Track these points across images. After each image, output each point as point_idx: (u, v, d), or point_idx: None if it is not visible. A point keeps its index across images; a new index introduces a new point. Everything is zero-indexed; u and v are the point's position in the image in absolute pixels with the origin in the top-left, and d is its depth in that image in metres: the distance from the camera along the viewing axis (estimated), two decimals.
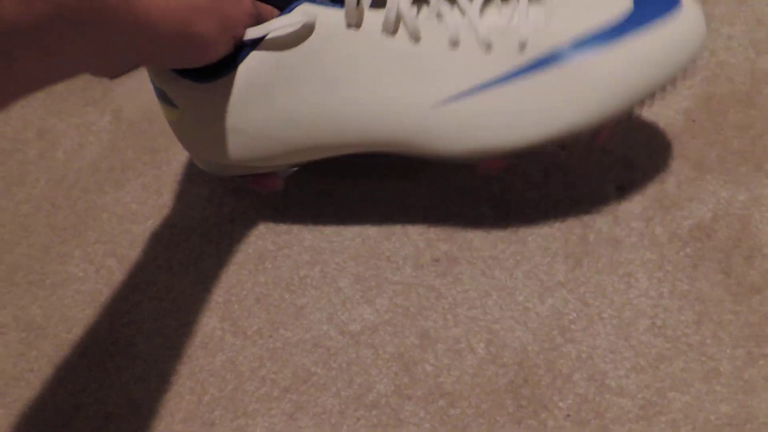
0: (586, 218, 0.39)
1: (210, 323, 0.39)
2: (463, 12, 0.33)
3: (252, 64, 0.33)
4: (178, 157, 0.48)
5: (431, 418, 0.33)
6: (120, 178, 0.48)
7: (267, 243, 0.42)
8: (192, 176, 0.47)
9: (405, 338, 0.36)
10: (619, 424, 0.31)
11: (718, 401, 0.31)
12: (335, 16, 0.32)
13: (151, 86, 0.54)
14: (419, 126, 0.34)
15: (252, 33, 0.32)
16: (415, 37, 0.33)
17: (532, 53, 0.32)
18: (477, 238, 0.39)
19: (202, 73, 0.34)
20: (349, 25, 0.32)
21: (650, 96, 0.33)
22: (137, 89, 0.55)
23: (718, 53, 0.45)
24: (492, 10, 0.33)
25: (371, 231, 0.41)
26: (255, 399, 0.36)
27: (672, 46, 0.32)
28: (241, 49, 0.33)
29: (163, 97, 0.36)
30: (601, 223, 0.38)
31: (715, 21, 0.47)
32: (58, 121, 0.54)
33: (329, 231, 0.41)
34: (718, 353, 0.32)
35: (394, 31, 0.32)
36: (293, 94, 0.34)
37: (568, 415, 0.32)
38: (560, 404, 0.32)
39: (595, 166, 0.40)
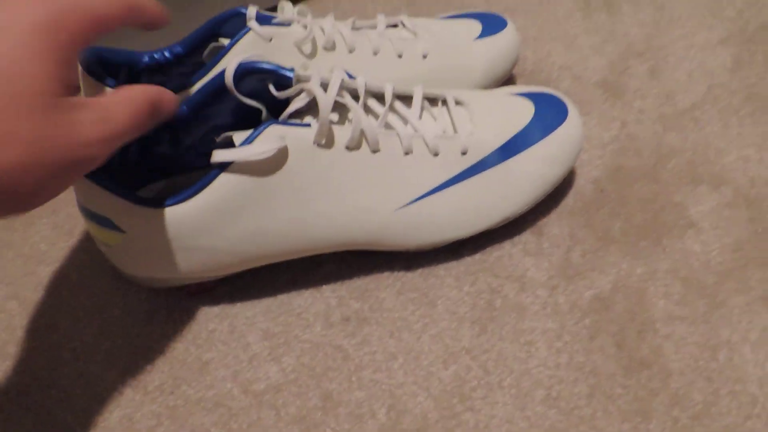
0: (495, 283, 0.40)
1: (110, 376, 0.38)
2: (405, 120, 0.37)
3: (217, 187, 0.33)
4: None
5: None
6: (31, 215, 0.47)
7: (176, 293, 0.41)
8: None
9: (308, 400, 0.36)
10: None
11: None
12: (304, 135, 0.34)
13: None
14: (384, 228, 0.38)
15: (220, 156, 0.32)
16: (375, 149, 0.35)
17: (472, 159, 0.38)
18: (388, 298, 0.40)
19: (160, 197, 0.34)
20: (319, 145, 0.34)
21: (557, 184, 0.40)
22: None
23: (628, 125, 0.47)
24: (426, 114, 0.38)
25: (283, 285, 0.41)
26: None
27: (569, 144, 0.39)
28: (208, 170, 0.33)
29: (105, 222, 0.35)
30: (508, 289, 0.39)
31: (629, 93, 0.49)
32: None
33: (241, 284, 0.41)
34: (607, 427, 0.33)
35: (358, 146, 0.35)
36: (264, 211, 0.35)
37: None
38: None
39: (507, 233, 0.41)
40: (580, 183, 0.44)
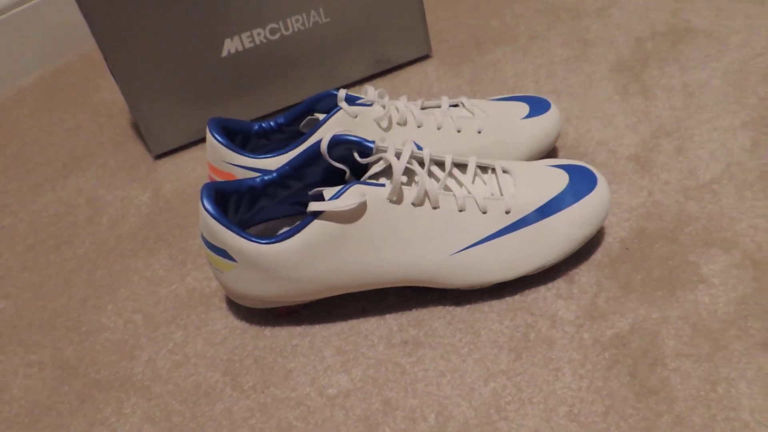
0: (530, 319, 0.47)
1: (214, 377, 0.47)
2: (461, 184, 0.46)
3: (311, 230, 0.43)
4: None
5: None
6: (152, 247, 0.58)
7: (268, 314, 0.50)
8: None
9: (371, 404, 0.44)
10: None
11: None
12: (380, 193, 0.44)
13: (187, 170, 0.65)
14: (438, 270, 0.46)
15: (314, 207, 0.42)
16: (435, 206, 0.45)
17: (514, 217, 0.46)
18: (440, 327, 0.48)
19: (265, 236, 0.45)
20: (391, 201, 0.44)
21: (586, 241, 0.49)
22: (176, 172, 0.66)
23: (654, 194, 0.55)
24: (478, 179, 0.47)
25: (354, 312, 0.50)
26: None
27: (597, 209, 0.48)
28: (297, 217, 0.44)
29: (222, 253, 0.45)
30: (541, 324, 0.47)
31: (657, 167, 0.57)
32: (106, 192, 0.65)
33: (320, 309, 0.50)
34: None
35: (422, 203, 0.45)
36: (341, 253, 0.45)
37: None
38: None
39: (542, 279, 0.49)
40: (608, 241, 0.52)
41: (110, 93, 0.82)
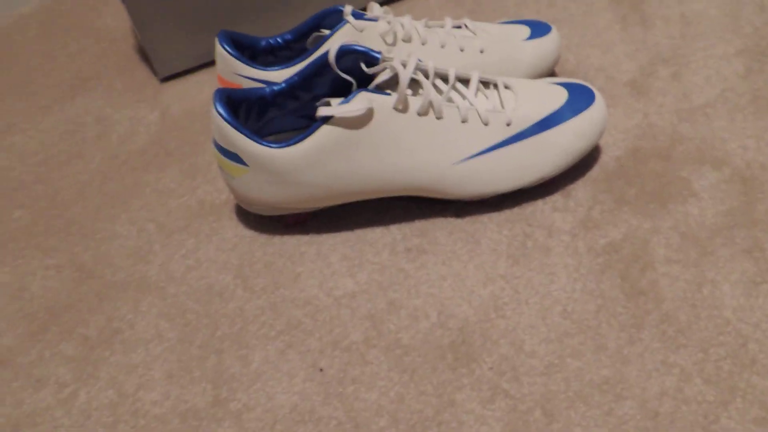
0: (528, 230, 0.50)
1: (226, 279, 0.50)
2: (463, 96, 0.48)
3: (320, 135, 0.45)
4: (212, 151, 0.60)
5: (389, 362, 0.44)
6: (162, 162, 0.59)
7: (277, 224, 0.52)
8: None
9: (376, 304, 0.47)
10: (528, 377, 0.42)
11: (602, 367, 0.41)
12: (387, 102, 0.45)
13: (194, 92, 0.66)
14: (441, 179, 0.48)
15: (323, 111, 0.44)
16: (439, 116, 0.46)
17: (515, 129, 0.48)
18: (442, 237, 0.50)
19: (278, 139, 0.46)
20: (396, 109, 0.45)
21: (583, 155, 0.50)
22: (183, 94, 0.67)
23: (649, 116, 0.56)
24: (480, 93, 0.49)
25: (360, 222, 0.52)
26: (255, 337, 0.46)
27: (594, 124, 0.50)
28: (314, 122, 0.45)
29: (234, 157, 0.47)
30: (538, 234, 0.49)
31: (653, 92, 0.59)
32: (113, 112, 0.66)
33: (327, 219, 0.52)
34: (608, 334, 0.43)
35: (426, 113, 0.46)
36: (349, 159, 0.46)
37: (491, 368, 0.42)
38: (486, 359, 0.43)
39: (540, 192, 0.51)
40: (604, 159, 0.54)
41: (112, 19, 0.82)
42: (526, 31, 0.57)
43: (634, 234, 0.48)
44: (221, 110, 0.45)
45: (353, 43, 0.46)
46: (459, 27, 0.57)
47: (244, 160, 0.46)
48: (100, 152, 0.61)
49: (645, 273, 0.46)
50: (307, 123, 0.52)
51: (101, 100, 0.67)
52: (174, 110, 0.65)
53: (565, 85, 0.52)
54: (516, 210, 0.51)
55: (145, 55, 0.74)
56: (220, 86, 0.54)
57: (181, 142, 0.61)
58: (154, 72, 0.70)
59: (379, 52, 0.46)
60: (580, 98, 0.51)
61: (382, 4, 0.74)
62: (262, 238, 0.52)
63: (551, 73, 0.60)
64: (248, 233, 0.53)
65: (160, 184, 0.57)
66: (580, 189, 0.52)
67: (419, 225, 0.51)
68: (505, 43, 0.56)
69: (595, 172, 0.53)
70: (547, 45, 0.57)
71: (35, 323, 0.49)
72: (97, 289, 0.50)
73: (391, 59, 0.47)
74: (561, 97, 0.50)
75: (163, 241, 0.53)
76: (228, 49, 0.51)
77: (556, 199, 0.51)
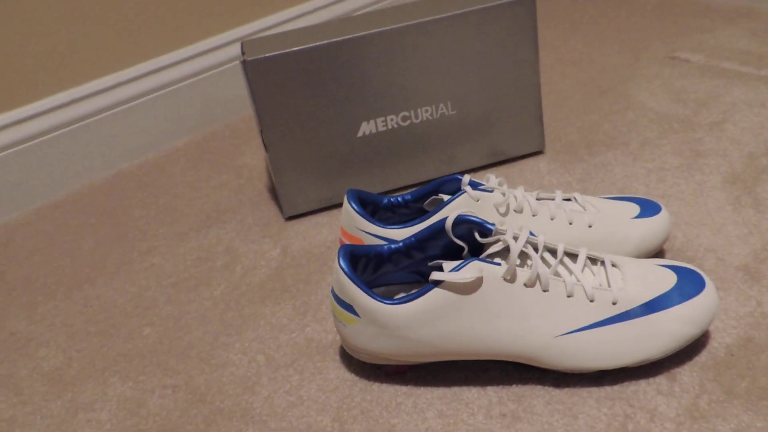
0: (629, 410, 0.49)
1: (324, 421, 0.52)
2: (570, 272, 0.50)
3: (431, 296, 0.49)
4: (324, 291, 0.64)
5: None
6: (278, 297, 0.64)
7: (378, 371, 0.55)
8: (330, 307, 0.62)
9: None
10: None
11: None
12: (496, 271, 0.48)
13: (314, 233, 0.72)
14: (542, 349, 0.49)
15: (437, 276, 0.48)
16: (545, 289, 0.49)
17: (620, 309, 0.49)
18: (539, 405, 0.50)
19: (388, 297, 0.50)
20: (505, 279, 0.48)
21: (691, 341, 0.50)
22: (303, 233, 0.73)
23: (763, 305, 0.55)
24: (587, 270, 0.51)
25: (458, 380, 0.53)
26: None
27: (704, 310, 0.50)
28: (426, 285, 0.49)
29: (348, 307, 0.51)
30: (640, 416, 0.48)
31: (766, 279, 0.58)
32: (242, 244, 0.73)
33: (426, 374, 0.54)
34: None
35: (533, 285, 0.49)
36: (455, 321, 0.49)
37: None
38: None
39: (644, 372, 0.51)
40: (713, 345, 0.53)
41: (251, 159, 0.92)
42: (635, 209, 0.59)
43: (746, 431, 0.46)
44: (344, 265, 0.49)
45: (469, 213, 0.50)
46: (569, 200, 0.60)
47: (357, 311, 0.50)
48: (225, 281, 0.68)
49: None
50: (415, 278, 0.55)
51: (233, 233, 0.75)
52: (294, 248, 0.71)
53: (673, 268, 0.53)
54: (617, 387, 0.51)
55: (275, 194, 0.82)
56: (342, 238, 0.60)
57: (296, 280, 0.66)
58: (281, 211, 0.77)
59: (492, 224, 0.50)
60: (689, 283, 0.51)
61: (492, 165, 0.79)
62: (361, 383, 0.54)
63: (659, 252, 0.61)
64: (349, 376, 0.55)
65: (274, 318, 0.62)
66: (686, 374, 0.51)
67: (516, 390, 0.52)
68: (613, 220, 0.58)
69: (703, 357, 0.52)
70: (656, 225, 0.58)
71: None
72: (206, 413, 0.54)
73: (503, 232, 0.50)
74: (670, 280, 0.51)
75: (271, 374, 0.56)
76: (354, 206, 0.57)
77: (660, 381, 0.51)
